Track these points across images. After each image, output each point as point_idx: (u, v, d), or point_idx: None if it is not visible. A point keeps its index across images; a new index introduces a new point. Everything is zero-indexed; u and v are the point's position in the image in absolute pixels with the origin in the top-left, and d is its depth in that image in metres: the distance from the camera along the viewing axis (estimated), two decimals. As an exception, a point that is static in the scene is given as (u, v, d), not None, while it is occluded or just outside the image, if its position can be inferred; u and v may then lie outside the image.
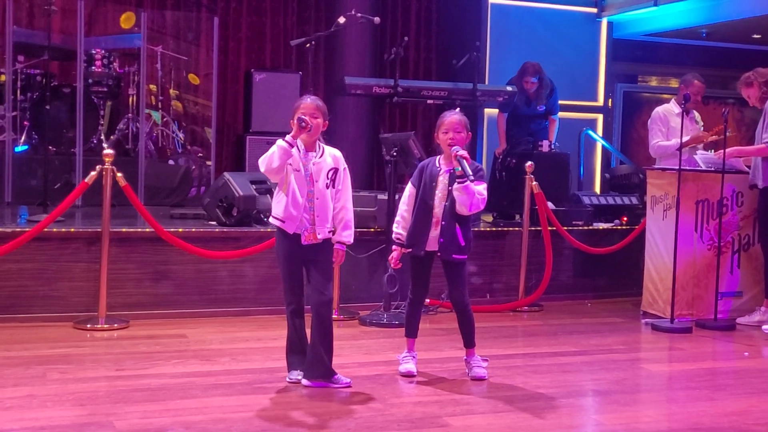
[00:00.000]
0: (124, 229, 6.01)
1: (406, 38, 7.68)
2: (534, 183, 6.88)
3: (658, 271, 6.67)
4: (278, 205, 4.36)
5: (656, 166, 7.06)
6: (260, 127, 9.15)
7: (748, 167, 6.61)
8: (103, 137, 8.62)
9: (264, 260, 6.17)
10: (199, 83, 9.66)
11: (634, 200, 7.99)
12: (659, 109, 7.19)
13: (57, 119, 8.10)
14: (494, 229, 7.22)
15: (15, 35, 8.15)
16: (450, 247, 4.59)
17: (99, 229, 5.75)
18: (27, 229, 5.63)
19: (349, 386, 4.38)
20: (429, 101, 7.68)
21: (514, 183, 7.49)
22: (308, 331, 4.40)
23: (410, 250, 4.65)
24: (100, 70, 8.71)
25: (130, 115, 8.99)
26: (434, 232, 4.60)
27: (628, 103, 11.13)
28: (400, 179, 6.23)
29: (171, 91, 9.58)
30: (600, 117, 10.26)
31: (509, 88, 7.87)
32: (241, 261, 6.16)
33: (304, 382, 4.37)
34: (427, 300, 6.03)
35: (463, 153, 4.48)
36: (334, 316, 4.51)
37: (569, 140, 9.30)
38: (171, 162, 9.05)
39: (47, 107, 7.20)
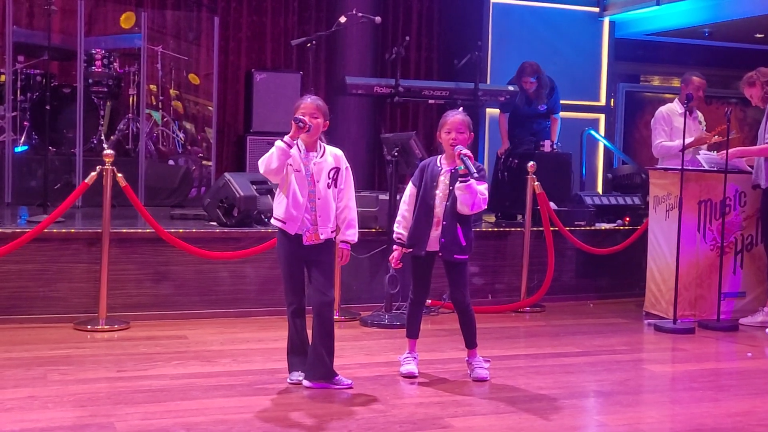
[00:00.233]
0: (124, 230, 6.00)
1: (407, 38, 7.67)
2: (536, 183, 6.87)
3: (661, 272, 6.65)
4: (279, 206, 4.34)
5: (659, 166, 7.04)
6: (261, 127, 9.14)
7: (751, 167, 6.59)
8: (103, 137, 8.61)
9: (265, 261, 6.16)
10: (200, 83, 9.64)
11: (637, 200, 7.97)
12: (662, 109, 7.18)
13: (57, 119, 8.09)
14: (496, 229, 7.20)
15: (15, 35, 8.14)
16: (451, 247, 4.57)
17: (99, 230, 5.73)
18: (27, 230, 5.62)
19: (351, 387, 4.37)
20: (430, 101, 7.68)
21: (516, 183, 7.47)
22: (309, 332, 4.39)
23: (411, 250, 4.64)
24: (100, 70, 8.71)
25: (130, 115, 8.99)
26: (435, 232, 4.58)
27: (631, 103, 11.12)
28: (402, 179, 6.22)
29: (171, 91, 9.57)
30: (602, 117, 10.26)
31: (511, 88, 7.86)
32: (241, 262, 6.14)
33: (305, 383, 4.35)
34: (429, 301, 6.01)
35: (467, 152, 4.46)
36: (335, 317, 4.49)
37: (571, 140, 9.28)
38: (171, 162, 9.04)
39: (47, 107, 7.18)
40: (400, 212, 4.70)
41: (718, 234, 6.51)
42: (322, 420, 3.89)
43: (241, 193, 6.40)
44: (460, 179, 4.44)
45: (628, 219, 7.76)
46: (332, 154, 4.40)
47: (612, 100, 10.53)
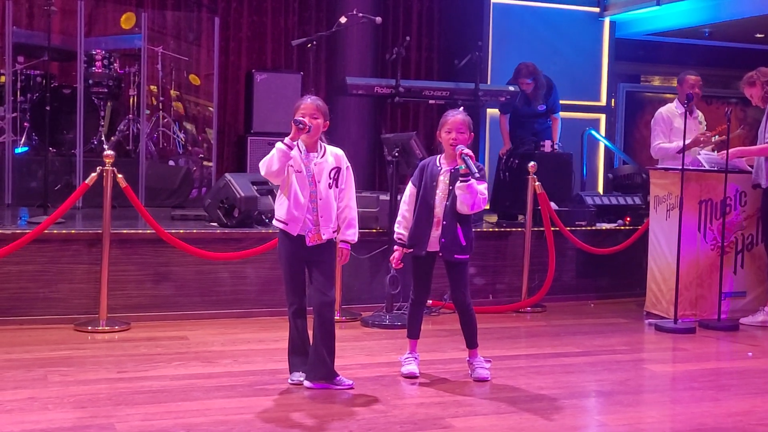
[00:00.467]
0: (124, 231, 6.00)
1: (407, 38, 7.66)
2: (537, 183, 6.86)
3: (662, 272, 6.65)
4: (281, 207, 4.34)
5: (659, 166, 7.04)
6: (261, 127, 9.13)
7: (751, 167, 6.59)
8: (103, 138, 8.61)
9: (265, 261, 6.15)
10: (200, 84, 9.64)
11: (637, 200, 7.97)
12: (662, 110, 7.18)
13: (57, 120, 8.08)
14: (497, 229, 7.20)
15: (15, 36, 8.14)
16: (451, 246, 4.56)
17: (100, 231, 5.73)
18: (27, 231, 5.62)
19: (352, 388, 4.37)
20: (431, 101, 7.67)
21: (516, 183, 7.46)
22: (310, 333, 4.39)
23: (412, 250, 4.63)
24: (100, 70, 8.70)
25: (130, 116, 8.98)
26: (435, 232, 4.57)
27: (631, 103, 11.12)
28: (402, 180, 6.20)
29: (172, 91, 9.57)
30: (603, 117, 10.24)
31: (511, 88, 7.85)
32: (242, 262, 6.14)
33: (306, 383, 4.35)
34: (430, 301, 6.01)
35: (468, 151, 4.46)
36: (336, 318, 4.49)
37: (572, 140, 9.27)
38: (172, 163, 9.03)
39: (47, 108, 7.18)
40: (400, 212, 4.70)
41: (719, 234, 6.51)
42: (323, 420, 3.89)
43: (242, 194, 6.39)
44: (460, 179, 4.44)
45: (628, 219, 7.76)
46: (333, 154, 4.40)
47: (612, 100, 10.52)
